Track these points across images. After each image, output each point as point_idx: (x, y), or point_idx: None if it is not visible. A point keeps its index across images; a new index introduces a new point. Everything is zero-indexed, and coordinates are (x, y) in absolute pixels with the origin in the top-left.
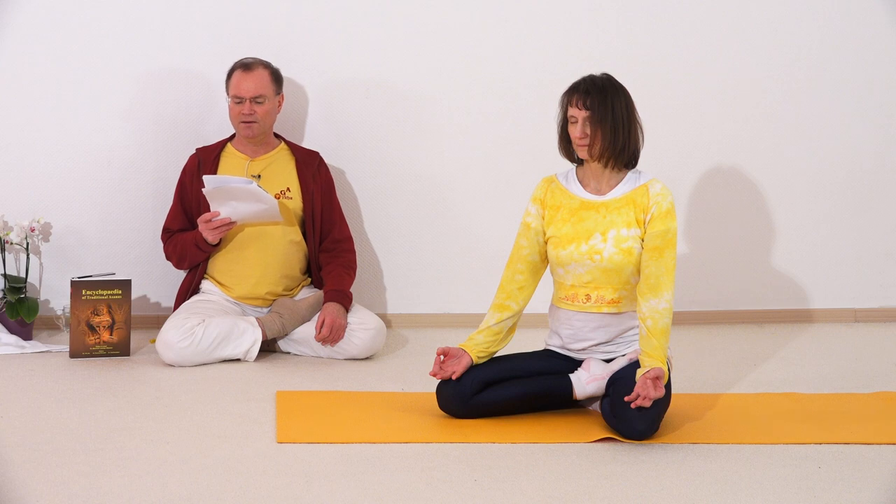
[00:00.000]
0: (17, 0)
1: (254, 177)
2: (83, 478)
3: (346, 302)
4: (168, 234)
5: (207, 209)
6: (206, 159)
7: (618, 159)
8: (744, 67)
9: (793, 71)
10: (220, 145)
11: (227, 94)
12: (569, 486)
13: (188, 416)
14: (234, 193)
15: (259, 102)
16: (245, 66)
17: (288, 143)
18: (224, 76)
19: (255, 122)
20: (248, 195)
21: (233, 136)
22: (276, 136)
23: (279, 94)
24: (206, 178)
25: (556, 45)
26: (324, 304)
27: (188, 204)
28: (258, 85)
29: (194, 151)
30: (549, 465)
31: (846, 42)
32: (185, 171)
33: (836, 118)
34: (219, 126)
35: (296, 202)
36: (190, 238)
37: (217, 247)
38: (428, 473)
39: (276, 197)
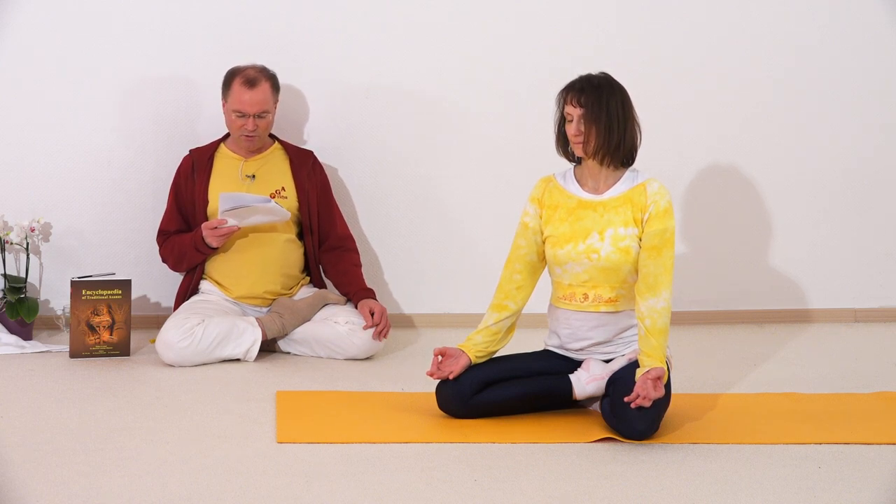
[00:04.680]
0: (17, 0)
1: (248, 177)
2: (83, 478)
3: (375, 298)
4: (164, 236)
5: (203, 210)
6: (199, 160)
7: (613, 157)
8: (743, 67)
9: (792, 71)
10: (214, 146)
11: (224, 99)
12: (569, 486)
13: (188, 416)
14: (250, 210)
15: (262, 117)
16: (249, 80)
17: (281, 143)
18: (223, 76)
19: (258, 135)
20: (264, 211)
21: (225, 137)
22: (270, 135)
23: (277, 100)
24: (222, 196)
25: (556, 46)
26: (358, 302)
27: (183, 205)
28: (262, 101)
29: (188, 153)
30: (549, 465)
31: (846, 42)
32: (180, 173)
33: (835, 118)
34: (219, 126)
35: (291, 201)
36: (188, 241)
37: (216, 249)
38: (428, 473)
39: (270, 196)
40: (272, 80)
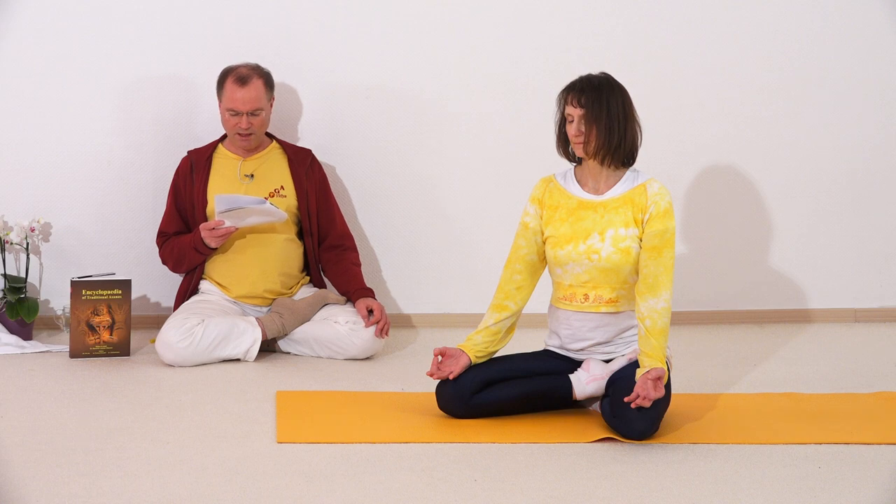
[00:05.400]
0: (17, 0)
1: (247, 176)
2: (83, 478)
3: (374, 297)
4: (163, 237)
5: (202, 210)
6: (198, 161)
7: (614, 157)
8: (744, 67)
9: (792, 71)
10: (212, 147)
11: (219, 99)
12: (569, 486)
13: (188, 416)
14: (247, 211)
15: (256, 115)
16: (240, 78)
17: (279, 142)
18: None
19: (252, 133)
20: (260, 212)
21: (223, 137)
22: (268, 134)
23: (272, 98)
24: (217, 198)
25: (556, 46)
26: (356, 301)
27: (182, 206)
28: (255, 98)
29: (186, 154)
30: (549, 465)
31: (846, 42)
32: (178, 174)
33: (835, 118)
34: (218, 126)
35: (290, 200)
36: (188, 242)
37: (215, 249)
38: (428, 473)
39: (269, 195)
40: (265, 77)
